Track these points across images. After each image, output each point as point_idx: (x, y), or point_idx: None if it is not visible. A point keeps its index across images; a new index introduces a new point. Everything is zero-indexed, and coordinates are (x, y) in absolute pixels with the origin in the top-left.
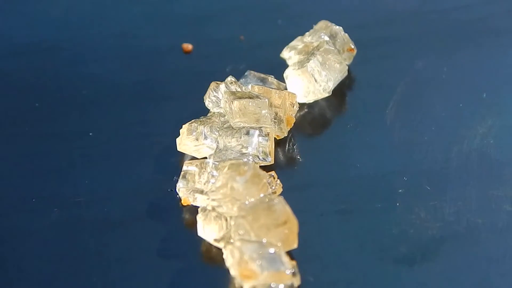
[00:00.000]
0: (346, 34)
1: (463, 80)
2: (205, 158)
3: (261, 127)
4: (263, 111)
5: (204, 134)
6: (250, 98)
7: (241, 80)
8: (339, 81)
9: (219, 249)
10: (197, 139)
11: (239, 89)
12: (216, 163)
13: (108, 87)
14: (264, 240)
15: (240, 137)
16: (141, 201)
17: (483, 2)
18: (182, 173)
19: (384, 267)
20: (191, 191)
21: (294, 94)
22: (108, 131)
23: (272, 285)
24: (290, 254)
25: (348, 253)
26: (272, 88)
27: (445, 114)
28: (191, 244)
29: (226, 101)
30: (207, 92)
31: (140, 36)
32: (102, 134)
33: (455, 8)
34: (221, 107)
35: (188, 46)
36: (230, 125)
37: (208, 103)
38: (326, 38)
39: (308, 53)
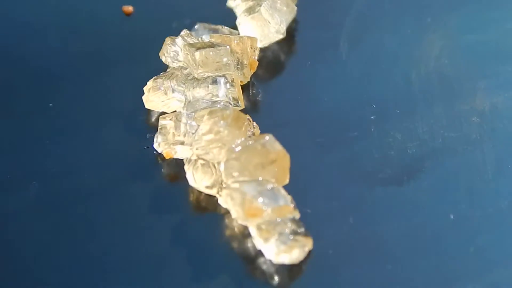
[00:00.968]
0: None
1: (406, 8)
2: (174, 111)
3: (225, 74)
4: (225, 59)
5: (172, 88)
6: (211, 47)
7: (192, 33)
8: (289, 22)
9: (210, 197)
10: (165, 94)
11: (196, 41)
12: (191, 114)
13: (57, 60)
14: (260, 178)
15: (207, 87)
16: (120, 163)
17: None
18: (159, 128)
19: (374, 190)
20: (170, 144)
21: (255, 37)
22: (68, 102)
23: (277, 220)
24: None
25: (337, 182)
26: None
27: (395, 43)
28: (179, 197)
29: (187, 53)
30: (163, 48)
31: (78, 6)
32: (64, 105)
33: None
34: (180, 61)
35: (128, 8)
36: (193, 76)
37: (166, 58)
38: None
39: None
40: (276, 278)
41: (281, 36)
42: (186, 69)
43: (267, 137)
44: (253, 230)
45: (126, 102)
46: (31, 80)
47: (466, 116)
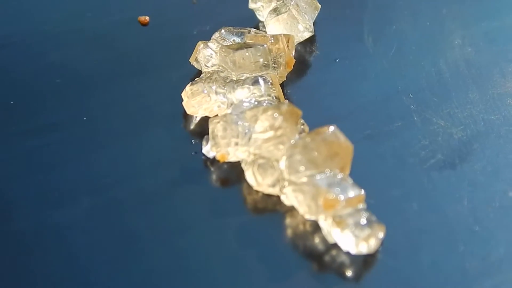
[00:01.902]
0: None
1: (419, 1)
2: (217, 115)
3: (263, 74)
4: (261, 59)
5: (215, 91)
6: (248, 47)
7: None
8: (314, 19)
9: (266, 197)
10: (209, 97)
11: (228, 44)
12: (240, 114)
13: (76, 73)
14: (328, 170)
15: (249, 88)
16: (169, 171)
17: None
18: (210, 132)
19: (430, 175)
20: (222, 147)
21: (292, 35)
22: (101, 113)
23: (351, 210)
24: None
25: (394, 170)
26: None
27: (417, 34)
28: (236, 200)
29: (225, 55)
30: (195, 53)
31: (98, 15)
32: (98, 117)
33: None
34: (214, 65)
35: (145, 19)
36: (231, 79)
37: (199, 63)
38: None
39: None
40: (353, 269)
41: (310, 34)
42: (222, 72)
43: (332, 127)
44: (325, 224)
45: (161, 109)
46: (51, 96)
47: (501, 99)
